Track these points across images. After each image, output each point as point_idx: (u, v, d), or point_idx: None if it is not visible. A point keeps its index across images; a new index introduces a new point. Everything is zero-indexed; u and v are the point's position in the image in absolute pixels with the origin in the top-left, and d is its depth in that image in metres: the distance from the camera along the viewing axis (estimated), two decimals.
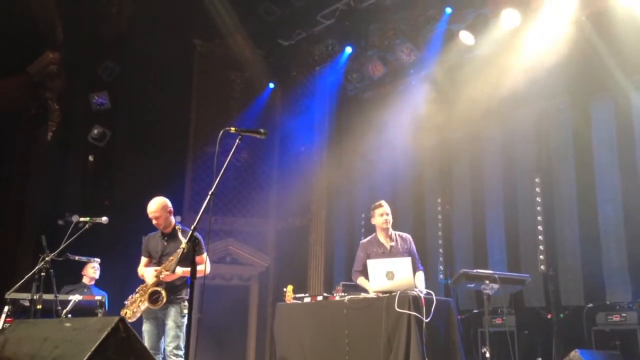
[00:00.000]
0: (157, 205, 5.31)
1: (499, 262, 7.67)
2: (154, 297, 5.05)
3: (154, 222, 5.33)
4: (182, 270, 5.08)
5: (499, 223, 7.92)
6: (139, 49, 9.76)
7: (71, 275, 7.51)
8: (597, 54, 6.90)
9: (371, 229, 9.70)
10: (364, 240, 6.14)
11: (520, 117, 7.86)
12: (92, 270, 7.66)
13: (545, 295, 7.22)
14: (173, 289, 5.20)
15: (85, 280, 7.66)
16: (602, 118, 7.23)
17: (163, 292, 5.03)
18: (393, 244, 5.92)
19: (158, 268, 5.17)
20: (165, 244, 5.34)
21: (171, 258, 5.13)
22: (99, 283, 7.74)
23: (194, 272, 3.78)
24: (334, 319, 5.64)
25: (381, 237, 5.98)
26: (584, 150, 7.28)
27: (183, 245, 3.77)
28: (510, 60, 7.58)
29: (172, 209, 5.38)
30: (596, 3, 7.07)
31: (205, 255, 5.21)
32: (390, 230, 5.99)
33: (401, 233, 6.07)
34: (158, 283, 5.08)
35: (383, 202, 6.03)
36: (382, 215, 5.91)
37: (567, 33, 7.14)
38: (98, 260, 7.39)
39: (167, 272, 5.07)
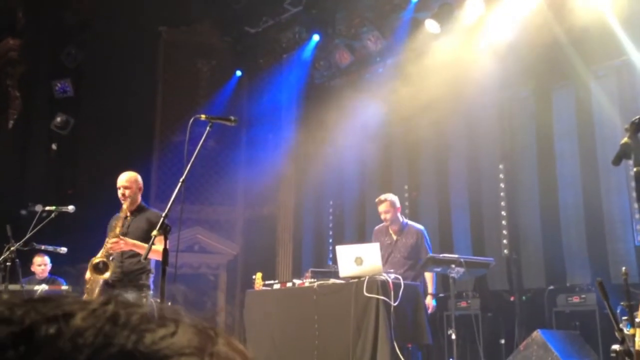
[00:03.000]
0: (129, 175, 5.02)
1: (463, 247, 7.84)
2: (98, 267, 4.72)
3: (121, 192, 4.96)
4: (132, 242, 4.76)
5: (464, 209, 8.09)
6: (103, 35, 9.59)
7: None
8: (558, 43, 7.07)
9: (340, 217, 9.79)
10: (376, 228, 6.28)
11: (483, 105, 8.00)
12: (40, 269, 7.13)
13: (508, 278, 7.42)
14: (129, 272, 4.88)
15: (36, 276, 7.20)
16: (563, 106, 7.43)
17: (109, 263, 4.71)
18: (399, 237, 6.04)
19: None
20: (127, 222, 4.99)
21: (117, 227, 4.79)
22: (62, 273, 7.53)
23: (165, 259, 3.78)
24: (303, 304, 5.71)
25: (390, 227, 6.12)
26: (545, 137, 7.47)
27: (155, 232, 3.72)
28: (475, 48, 7.72)
29: (142, 187, 5.11)
30: None
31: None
32: (403, 222, 6.12)
33: (415, 226, 6.19)
34: (107, 255, 4.74)
35: (383, 198, 6.10)
36: (381, 213, 6.11)
37: (529, 22, 7.29)
38: (68, 251, 6.60)
39: (114, 240, 4.72)
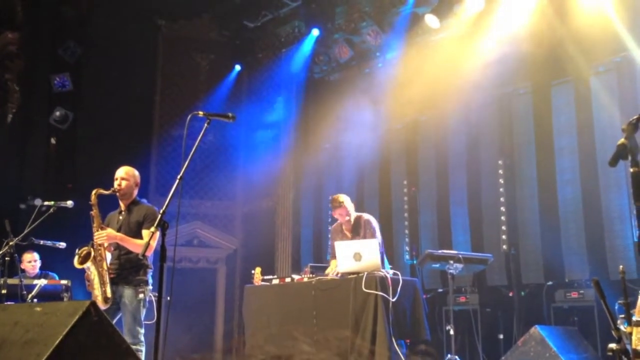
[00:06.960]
0: (128, 169, 5.08)
1: (462, 242, 7.85)
2: (83, 256, 4.78)
3: (117, 183, 4.99)
4: (119, 236, 4.82)
5: (462, 205, 8.09)
6: (102, 30, 9.56)
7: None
8: (558, 39, 7.05)
9: None
10: (333, 227, 6.24)
11: (483, 101, 8.00)
12: (30, 265, 7.10)
13: (507, 274, 7.43)
14: (126, 268, 4.92)
15: (27, 273, 7.08)
16: (562, 103, 7.42)
17: (92, 252, 4.76)
18: (353, 236, 5.99)
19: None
20: (121, 217, 5.03)
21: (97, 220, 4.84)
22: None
23: (163, 256, 3.78)
24: (302, 300, 5.72)
25: (344, 225, 6.09)
26: (544, 134, 7.46)
27: (152, 229, 3.74)
28: (474, 44, 7.69)
29: (139, 183, 5.13)
30: None
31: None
32: (354, 216, 6.03)
33: (363, 217, 6.11)
34: (97, 247, 4.80)
35: (339, 200, 5.99)
36: (339, 215, 6.02)
37: (529, 18, 7.27)
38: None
39: (99, 232, 4.79)
